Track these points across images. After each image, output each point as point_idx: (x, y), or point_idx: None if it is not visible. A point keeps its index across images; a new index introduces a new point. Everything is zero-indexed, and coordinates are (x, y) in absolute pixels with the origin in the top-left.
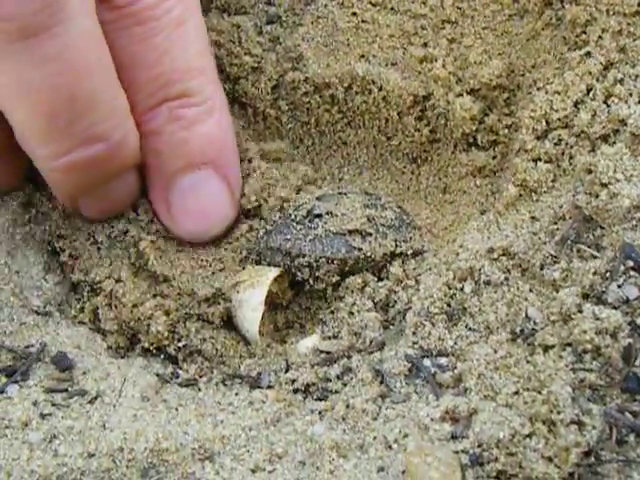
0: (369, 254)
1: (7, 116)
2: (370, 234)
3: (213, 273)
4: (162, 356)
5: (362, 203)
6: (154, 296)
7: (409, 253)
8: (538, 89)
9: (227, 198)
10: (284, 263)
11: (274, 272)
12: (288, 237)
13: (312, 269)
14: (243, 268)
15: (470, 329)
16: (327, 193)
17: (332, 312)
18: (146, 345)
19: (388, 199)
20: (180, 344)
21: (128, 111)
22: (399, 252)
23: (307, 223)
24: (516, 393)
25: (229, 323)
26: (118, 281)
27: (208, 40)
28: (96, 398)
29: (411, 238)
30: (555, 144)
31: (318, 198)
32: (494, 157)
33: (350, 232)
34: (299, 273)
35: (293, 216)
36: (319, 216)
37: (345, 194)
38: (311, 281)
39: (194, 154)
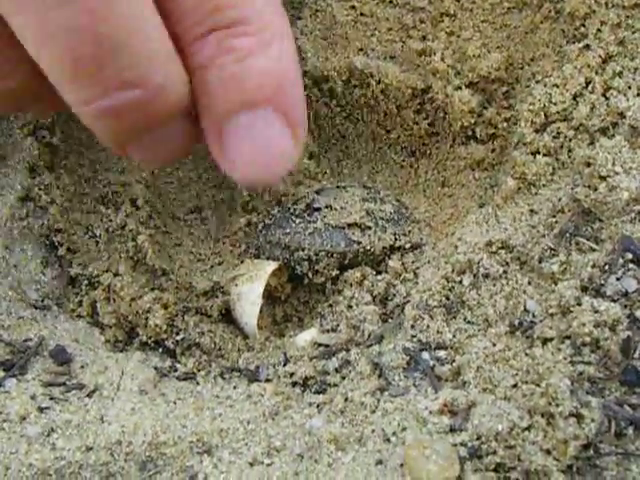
0: (368, 248)
1: (35, 60)
2: (369, 228)
3: (211, 267)
4: (160, 350)
5: (361, 197)
6: (152, 290)
7: (408, 247)
8: (537, 82)
9: (289, 139)
10: (283, 257)
11: (272, 265)
12: (287, 231)
13: (311, 263)
14: (242, 262)
15: (469, 322)
16: (326, 187)
17: (331, 305)
18: (144, 339)
19: (387, 193)
20: (178, 337)
21: (171, 53)
22: (398, 246)
23: (306, 217)
24: (515, 386)
25: (227, 316)
26: (116, 275)
27: None
28: (94, 392)
29: (410, 232)
30: (554, 137)
31: (317, 192)
32: (493, 150)
33: (349, 225)
34: (298, 267)
35: (292, 210)
36: (318, 210)
37: (344, 188)
38: (310, 275)
39: (249, 90)
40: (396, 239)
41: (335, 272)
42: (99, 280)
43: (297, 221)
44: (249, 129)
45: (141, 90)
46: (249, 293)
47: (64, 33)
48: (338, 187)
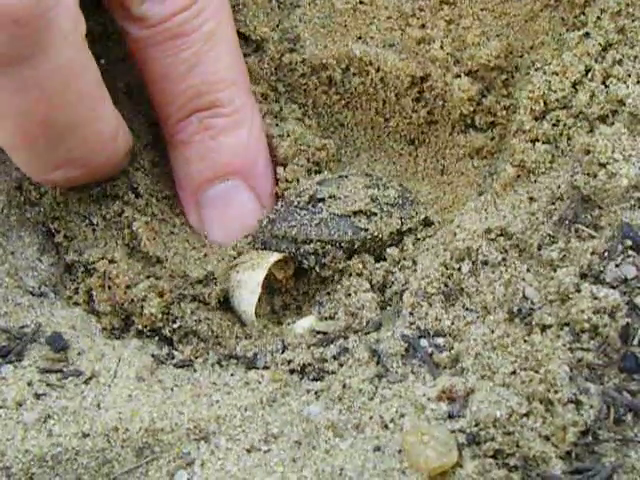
0: (376, 234)
1: None
2: (375, 214)
3: (205, 255)
4: (157, 337)
5: (364, 184)
6: (148, 277)
7: (419, 226)
8: (536, 70)
9: (256, 209)
10: (290, 250)
11: (276, 256)
12: (293, 224)
13: (318, 255)
14: (238, 253)
15: (467, 309)
16: (327, 177)
17: (329, 293)
18: (140, 327)
19: (389, 179)
20: (175, 325)
21: (114, 130)
22: (407, 229)
23: (311, 208)
24: (513, 373)
25: (225, 304)
26: (112, 262)
27: (240, 53)
28: (91, 378)
29: (417, 213)
30: (553, 125)
31: (319, 183)
32: (492, 138)
33: (355, 213)
34: (305, 260)
35: (296, 202)
36: (322, 200)
37: (346, 176)
38: (317, 268)
39: (223, 163)
40: (402, 223)
41: (344, 264)
42: (95, 267)
43: (302, 213)
44: (222, 197)
45: (85, 168)
46: (249, 281)
47: (18, 116)
48: (340, 177)
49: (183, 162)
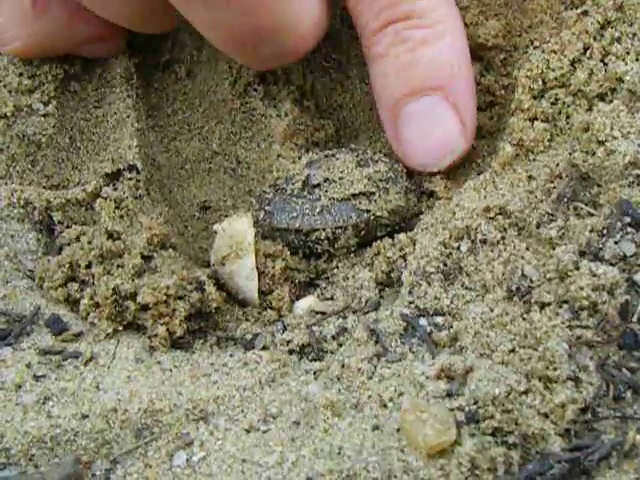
0: (379, 214)
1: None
2: (373, 193)
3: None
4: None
5: (355, 162)
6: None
7: (418, 197)
8: (535, 49)
9: (456, 127)
10: (298, 240)
11: (248, 230)
12: (294, 215)
13: (330, 239)
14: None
15: (466, 288)
16: (313, 158)
17: (327, 277)
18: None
19: (373, 150)
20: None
21: (317, 27)
22: (407, 206)
23: (307, 195)
24: (512, 351)
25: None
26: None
27: None
28: (90, 360)
29: (414, 184)
30: (552, 103)
31: (307, 165)
32: (491, 117)
33: (354, 196)
34: (318, 246)
35: (289, 190)
36: (317, 186)
37: (333, 155)
38: (332, 250)
39: (421, 79)
40: (401, 198)
41: (354, 240)
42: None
43: (299, 202)
44: (419, 115)
45: (293, 57)
46: (240, 270)
47: (228, 27)
48: (326, 156)
49: (380, 76)
